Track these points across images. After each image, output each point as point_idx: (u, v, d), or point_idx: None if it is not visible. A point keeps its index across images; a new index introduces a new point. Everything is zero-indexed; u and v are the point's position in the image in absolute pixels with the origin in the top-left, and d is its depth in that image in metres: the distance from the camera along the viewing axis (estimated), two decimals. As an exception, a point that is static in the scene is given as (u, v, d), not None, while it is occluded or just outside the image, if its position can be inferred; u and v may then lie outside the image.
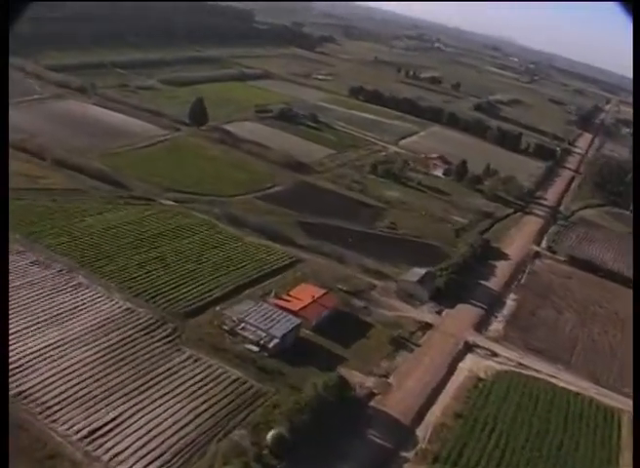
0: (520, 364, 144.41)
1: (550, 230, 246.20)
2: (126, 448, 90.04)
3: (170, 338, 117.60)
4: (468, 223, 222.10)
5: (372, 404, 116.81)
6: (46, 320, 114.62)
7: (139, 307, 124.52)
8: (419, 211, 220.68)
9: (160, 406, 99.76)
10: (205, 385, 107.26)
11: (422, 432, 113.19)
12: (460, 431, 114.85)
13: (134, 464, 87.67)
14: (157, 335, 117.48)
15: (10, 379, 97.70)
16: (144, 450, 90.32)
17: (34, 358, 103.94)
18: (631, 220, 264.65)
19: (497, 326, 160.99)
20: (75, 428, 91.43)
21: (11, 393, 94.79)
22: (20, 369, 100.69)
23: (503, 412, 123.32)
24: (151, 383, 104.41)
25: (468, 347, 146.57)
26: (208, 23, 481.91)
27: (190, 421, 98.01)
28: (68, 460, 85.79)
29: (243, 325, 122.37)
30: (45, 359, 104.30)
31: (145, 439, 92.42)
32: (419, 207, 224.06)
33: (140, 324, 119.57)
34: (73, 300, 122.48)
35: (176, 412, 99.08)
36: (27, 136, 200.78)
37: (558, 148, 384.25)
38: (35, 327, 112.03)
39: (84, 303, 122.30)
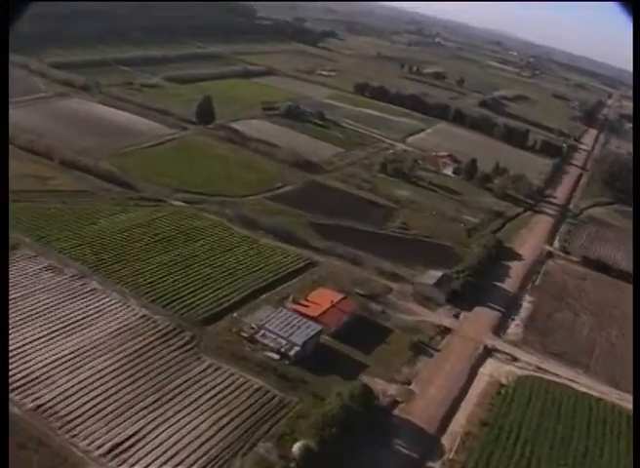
0: (540, 368, 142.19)
1: (561, 229, 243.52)
2: (149, 465, 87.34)
3: (188, 346, 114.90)
4: (480, 223, 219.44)
5: (396, 412, 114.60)
6: (62, 328, 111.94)
7: (155, 314, 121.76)
8: (429, 210, 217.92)
9: (182, 418, 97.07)
10: (227, 396, 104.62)
11: (448, 441, 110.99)
12: (485, 439, 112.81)
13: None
14: (175, 344, 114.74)
15: (28, 392, 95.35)
16: (168, 467, 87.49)
17: (51, 369, 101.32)
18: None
19: (515, 329, 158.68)
20: (97, 443, 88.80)
21: (29, 406, 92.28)
22: (38, 380, 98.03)
23: (528, 419, 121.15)
24: (172, 394, 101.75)
25: (488, 351, 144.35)
26: (209, 20, 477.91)
27: (214, 434, 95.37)
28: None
29: (262, 332, 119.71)
30: (62, 370, 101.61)
31: (169, 454, 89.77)
32: (429, 206, 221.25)
33: (158, 331, 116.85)
34: (88, 307, 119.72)
35: (198, 425, 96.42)
36: (35, 136, 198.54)
37: (564, 145, 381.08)
38: (51, 335, 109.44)
39: (99, 310, 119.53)
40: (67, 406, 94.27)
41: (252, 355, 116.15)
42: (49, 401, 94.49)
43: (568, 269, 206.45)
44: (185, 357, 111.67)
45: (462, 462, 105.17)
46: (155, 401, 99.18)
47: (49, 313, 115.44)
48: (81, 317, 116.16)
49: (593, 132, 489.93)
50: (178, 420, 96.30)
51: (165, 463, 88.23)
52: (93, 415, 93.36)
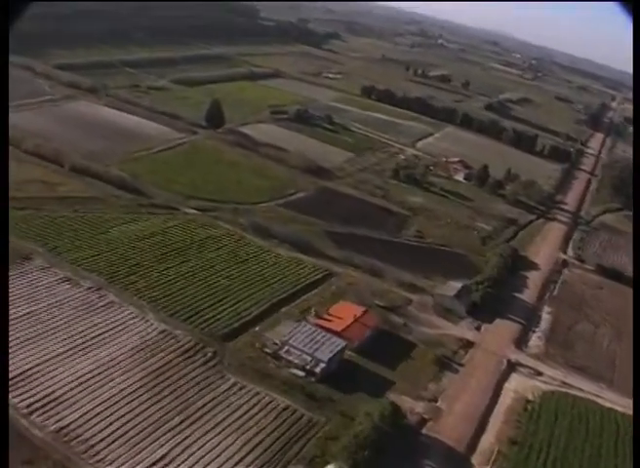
0: (564, 383, 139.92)
1: (574, 236, 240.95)
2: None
3: (211, 364, 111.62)
4: (493, 231, 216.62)
5: (424, 431, 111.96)
6: (81, 344, 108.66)
7: (175, 329, 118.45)
8: (443, 218, 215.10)
9: (210, 440, 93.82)
10: (254, 416, 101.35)
11: (478, 460, 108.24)
12: (515, 459, 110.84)
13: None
14: (198, 361, 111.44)
15: (50, 412, 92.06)
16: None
17: (72, 388, 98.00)
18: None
19: (536, 341, 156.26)
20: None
21: (51, 429, 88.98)
22: (59, 400, 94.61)
23: (556, 438, 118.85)
24: (197, 415, 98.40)
25: (512, 366, 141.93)
26: (211, 20, 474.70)
27: (244, 456, 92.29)
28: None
29: (287, 348, 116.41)
30: (84, 389, 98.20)
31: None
32: (443, 213, 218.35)
33: (179, 348, 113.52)
34: (107, 322, 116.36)
35: (227, 448, 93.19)
36: (42, 140, 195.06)
37: (572, 149, 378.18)
38: (71, 352, 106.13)
39: (118, 325, 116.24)
40: (91, 428, 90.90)
41: (277, 372, 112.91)
42: (71, 422, 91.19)
43: (584, 278, 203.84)
44: (209, 375, 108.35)
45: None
46: (181, 422, 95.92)
47: (68, 328, 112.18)
48: (100, 332, 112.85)
49: (599, 135, 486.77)
50: (206, 442, 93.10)
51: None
52: (118, 438, 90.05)
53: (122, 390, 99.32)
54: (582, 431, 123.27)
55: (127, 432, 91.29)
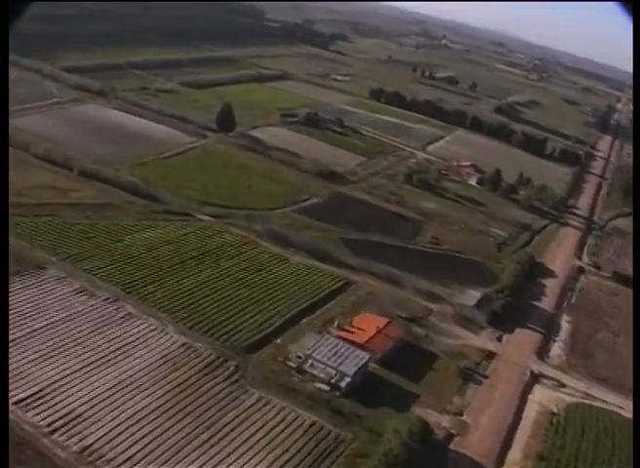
0: (587, 394, 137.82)
1: (588, 242, 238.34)
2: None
3: (234, 378, 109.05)
4: (508, 237, 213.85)
5: (452, 446, 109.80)
6: (100, 359, 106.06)
7: (195, 342, 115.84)
8: (458, 223, 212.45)
9: (237, 459, 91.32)
10: (281, 433, 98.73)
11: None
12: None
13: None
14: (220, 375, 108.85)
15: (72, 431, 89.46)
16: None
17: (94, 405, 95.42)
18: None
19: (557, 351, 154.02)
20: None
21: (74, 449, 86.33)
22: (81, 418, 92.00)
23: (583, 452, 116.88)
24: (223, 433, 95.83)
25: (534, 377, 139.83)
26: (217, 21, 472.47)
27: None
28: None
29: (310, 361, 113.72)
30: (106, 406, 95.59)
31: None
32: (457, 219, 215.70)
33: (201, 362, 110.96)
34: (126, 334, 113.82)
35: (256, 467, 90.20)
36: (52, 144, 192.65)
37: (581, 152, 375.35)
38: (90, 367, 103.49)
39: (137, 338, 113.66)
40: (115, 447, 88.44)
41: (301, 387, 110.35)
42: (95, 442, 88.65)
43: (600, 285, 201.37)
44: (232, 390, 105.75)
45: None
46: (207, 440, 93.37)
47: (86, 341, 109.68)
48: (120, 345, 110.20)
49: (607, 138, 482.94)
50: (233, 461, 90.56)
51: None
52: (143, 458, 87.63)
53: (145, 407, 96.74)
54: (609, 445, 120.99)
55: (152, 451, 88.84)
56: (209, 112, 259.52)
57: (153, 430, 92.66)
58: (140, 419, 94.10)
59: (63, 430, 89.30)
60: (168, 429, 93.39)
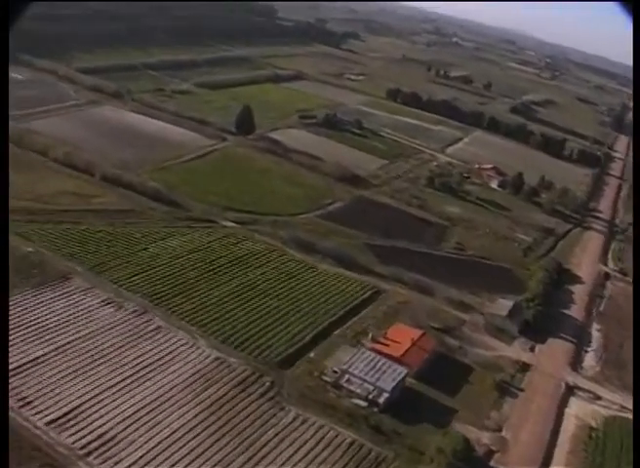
0: (623, 407, 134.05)
1: (612, 246, 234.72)
2: None
3: (270, 395, 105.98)
4: (533, 241, 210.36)
5: (493, 463, 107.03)
6: (132, 375, 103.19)
7: (228, 356, 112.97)
8: (482, 228, 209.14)
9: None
10: (321, 452, 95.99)
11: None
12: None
13: None
14: (255, 391, 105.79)
15: (107, 454, 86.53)
16: None
17: (128, 425, 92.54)
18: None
19: (590, 362, 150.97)
20: (192, 518, 79.58)
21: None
22: (117, 440, 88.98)
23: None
24: (262, 453, 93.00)
25: (570, 389, 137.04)
26: (231, 20, 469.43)
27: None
28: None
29: (347, 377, 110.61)
30: (139, 426, 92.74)
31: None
32: (481, 224, 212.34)
33: (235, 378, 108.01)
34: (157, 349, 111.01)
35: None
36: (71, 148, 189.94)
37: (600, 153, 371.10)
38: (123, 384, 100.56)
39: (169, 353, 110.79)
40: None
41: (338, 403, 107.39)
42: (131, 465, 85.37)
43: (628, 292, 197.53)
44: (269, 407, 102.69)
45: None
46: (247, 461, 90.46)
47: (116, 356, 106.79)
48: (151, 361, 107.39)
49: (623, 138, 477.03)
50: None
51: None
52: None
53: (180, 427, 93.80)
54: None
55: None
56: (226, 114, 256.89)
57: (191, 451, 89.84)
58: (177, 440, 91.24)
59: (99, 452, 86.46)
60: (206, 450, 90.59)
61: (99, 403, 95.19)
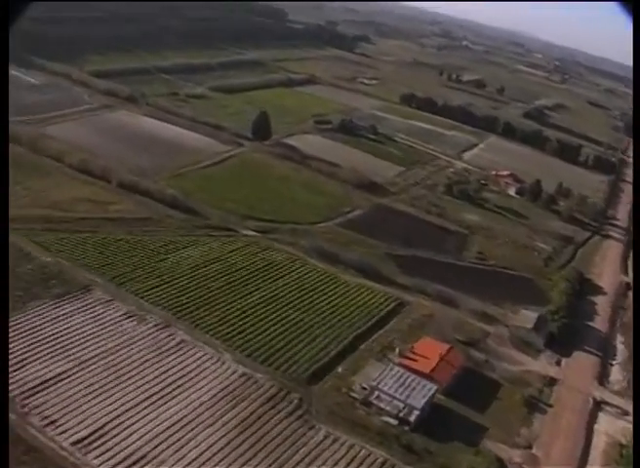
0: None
1: (631, 255, 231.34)
2: None
3: (299, 412, 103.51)
4: (552, 250, 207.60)
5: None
6: (158, 392, 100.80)
7: (255, 372, 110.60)
8: (502, 237, 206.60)
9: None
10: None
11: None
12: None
13: None
14: (284, 409, 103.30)
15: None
16: None
17: (157, 445, 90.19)
18: None
19: (616, 376, 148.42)
20: None
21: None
22: (145, 460, 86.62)
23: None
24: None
25: (597, 404, 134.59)
26: (242, 23, 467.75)
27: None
28: None
29: (377, 393, 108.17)
30: (168, 447, 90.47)
31: None
32: (500, 232, 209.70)
33: (263, 395, 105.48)
34: (182, 365, 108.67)
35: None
36: (86, 154, 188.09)
37: (614, 159, 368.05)
38: (149, 402, 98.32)
39: (194, 368, 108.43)
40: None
41: (369, 421, 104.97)
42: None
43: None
44: (298, 426, 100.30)
45: None
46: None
47: (141, 372, 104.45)
48: (177, 377, 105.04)
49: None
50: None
51: None
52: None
53: (211, 446, 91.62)
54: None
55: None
56: (241, 118, 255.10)
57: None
58: (207, 460, 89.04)
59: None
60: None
61: (125, 421, 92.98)
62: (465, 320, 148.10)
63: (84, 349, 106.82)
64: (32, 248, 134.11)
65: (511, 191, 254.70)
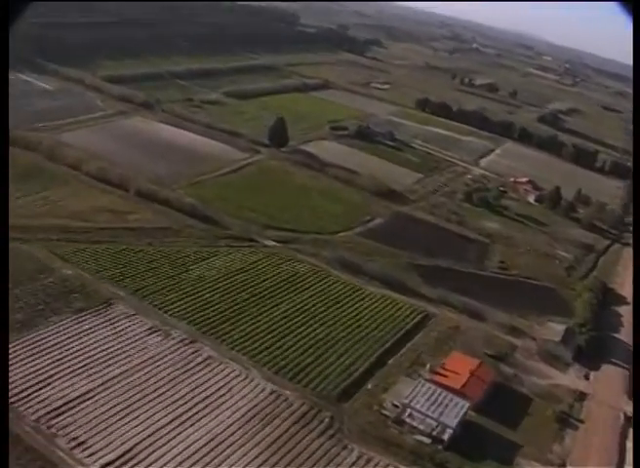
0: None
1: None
2: None
3: (331, 432, 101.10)
4: (574, 259, 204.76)
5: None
6: (186, 412, 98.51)
7: (284, 389, 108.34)
8: (523, 245, 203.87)
9: None
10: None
11: None
12: None
13: None
14: (316, 428, 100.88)
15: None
16: None
17: (190, 466, 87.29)
18: None
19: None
20: None
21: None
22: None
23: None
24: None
25: (629, 420, 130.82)
26: (254, 26, 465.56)
27: None
28: None
29: (409, 411, 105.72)
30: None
31: None
32: (521, 240, 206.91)
33: (293, 413, 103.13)
34: (209, 382, 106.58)
35: None
36: (103, 162, 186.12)
37: (630, 164, 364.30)
38: (177, 422, 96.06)
39: (222, 386, 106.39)
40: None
41: (401, 440, 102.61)
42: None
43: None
44: (331, 445, 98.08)
45: None
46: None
47: (168, 390, 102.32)
48: (204, 396, 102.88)
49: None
50: None
51: None
52: None
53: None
54: None
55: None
56: (257, 125, 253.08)
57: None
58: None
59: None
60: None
61: (155, 442, 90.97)
62: (492, 333, 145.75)
63: (109, 366, 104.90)
64: (52, 259, 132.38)
65: (530, 198, 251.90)
